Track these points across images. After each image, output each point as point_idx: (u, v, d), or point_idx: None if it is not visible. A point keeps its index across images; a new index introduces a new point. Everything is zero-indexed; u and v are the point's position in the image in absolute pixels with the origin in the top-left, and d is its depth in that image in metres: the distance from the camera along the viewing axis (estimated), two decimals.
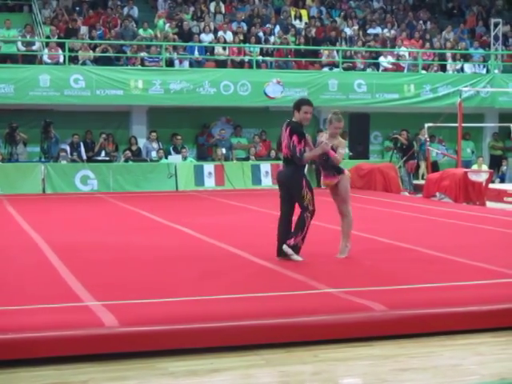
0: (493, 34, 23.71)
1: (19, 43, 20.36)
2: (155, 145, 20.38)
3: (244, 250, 9.26)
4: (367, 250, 9.38)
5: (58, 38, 20.43)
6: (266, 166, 20.08)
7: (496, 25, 23.70)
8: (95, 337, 5.50)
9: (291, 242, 8.34)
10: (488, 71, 23.07)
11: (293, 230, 8.41)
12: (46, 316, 5.87)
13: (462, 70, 23.27)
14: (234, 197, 17.19)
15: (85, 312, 6.04)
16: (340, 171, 8.58)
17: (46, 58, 20.07)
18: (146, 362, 5.38)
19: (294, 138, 8.29)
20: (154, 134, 20.38)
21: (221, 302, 6.42)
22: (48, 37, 20.56)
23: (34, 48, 20.40)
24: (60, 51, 20.12)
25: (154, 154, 20.21)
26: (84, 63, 20.05)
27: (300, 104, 8.49)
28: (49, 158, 19.29)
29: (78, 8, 22.93)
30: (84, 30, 21.33)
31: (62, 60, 20.02)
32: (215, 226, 11.86)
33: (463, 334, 6.07)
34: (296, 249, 8.39)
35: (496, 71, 22.92)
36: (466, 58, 23.70)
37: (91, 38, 21.04)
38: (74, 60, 20.11)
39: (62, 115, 19.96)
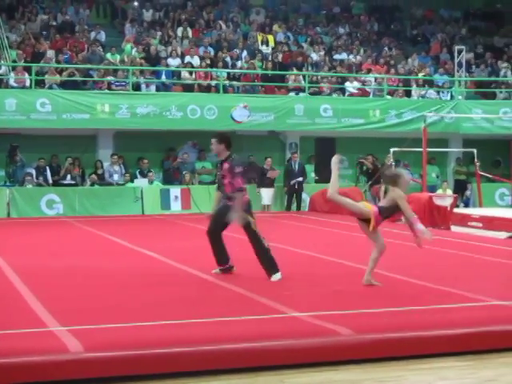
0: (456, 60, 24.07)
1: None
2: (117, 168, 20.24)
3: (210, 274, 9.24)
4: (334, 274, 9.42)
5: (24, 62, 20.34)
6: None
7: (460, 52, 24.07)
8: (60, 362, 5.44)
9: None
10: (452, 97, 23.37)
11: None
12: (9, 342, 5.79)
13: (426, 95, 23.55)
14: (200, 221, 17.10)
15: (49, 337, 5.97)
16: None
17: (12, 82, 19.96)
18: None
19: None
20: (115, 156, 20.22)
21: (185, 327, 6.38)
22: (14, 61, 20.45)
23: None
24: (26, 75, 20.02)
25: (116, 177, 20.06)
26: (50, 87, 19.95)
27: None
28: (14, 182, 19.12)
29: (44, 32, 22.89)
30: (51, 53, 21.26)
31: (28, 84, 19.92)
32: (181, 250, 11.84)
33: (428, 358, 6.10)
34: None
35: (460, 97, 23.23)
36: (431, 84, 24.01)
37: (58, 62, 20.95)
38: (40, 84, 20.02)
39: (28, 139, 19.82)
